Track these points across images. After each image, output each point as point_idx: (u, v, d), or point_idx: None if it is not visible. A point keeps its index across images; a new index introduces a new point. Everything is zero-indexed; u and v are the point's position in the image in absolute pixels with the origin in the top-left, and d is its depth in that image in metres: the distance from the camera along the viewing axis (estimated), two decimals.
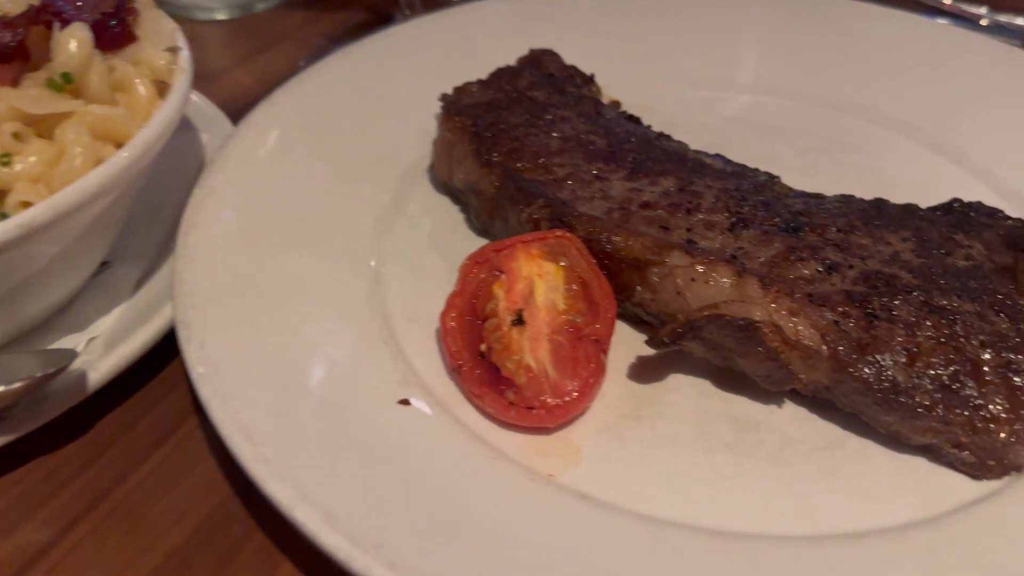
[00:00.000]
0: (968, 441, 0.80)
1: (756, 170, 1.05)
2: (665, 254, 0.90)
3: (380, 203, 1.10)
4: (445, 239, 1.08)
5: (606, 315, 0.90)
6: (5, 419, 0.84)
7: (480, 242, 1.07)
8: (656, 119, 1.17)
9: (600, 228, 0.94)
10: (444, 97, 1.16)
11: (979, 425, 0.79)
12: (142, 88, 0.93)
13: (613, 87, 1.26)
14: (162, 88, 0.94)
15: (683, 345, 0.86)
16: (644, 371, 0.92)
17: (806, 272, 0.88)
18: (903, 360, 0.81)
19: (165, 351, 0.94)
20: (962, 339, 0.83)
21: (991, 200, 1.01)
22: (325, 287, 0.96)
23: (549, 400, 0.85)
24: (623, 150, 1.06)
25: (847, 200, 0.99)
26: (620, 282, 0.93)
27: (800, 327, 0.83)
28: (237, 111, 1.20)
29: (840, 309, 0.84)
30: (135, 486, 0.86)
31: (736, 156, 1.08)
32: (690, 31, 1.42)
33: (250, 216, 1.01)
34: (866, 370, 0.81)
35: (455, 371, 0.88)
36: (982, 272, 0.90)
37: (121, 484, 0.86)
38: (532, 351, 0.87)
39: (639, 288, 0.92)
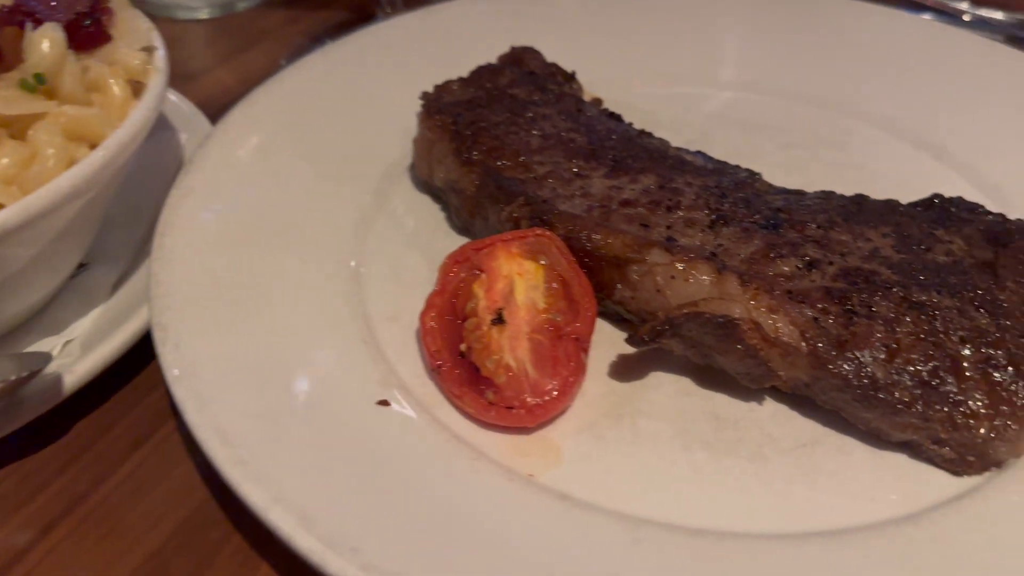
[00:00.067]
0: (948, 437, 0.80)
1: (737, 167, 1.05)
2: (645, 252, 0.90)
3: (361, 203, 1.09)
4: (426, 238, 1.08)
5: (586, 313, 0.89)
6: None
7: (461, 241, 1.06)
8: (638, 116, 1.17)
9: (580, 226, 0.94)
10: (425, 95, 1.15)
11: (959, 421, 0.79)
12: (117, 88, 0.92)
13: (595, 84, 1.25)
14: (137, 88, 0.93)
15: (663, 343, 0.86)
16: (624, 369, 0.91)
17: (786, 269, 0.88)
18: (882, 356, 0.81)
19: (143, 353, 0.93)
20: (942, 335, 0.82)
21: (972, 195, 1.01)
22: (304, 288, 0.95)
23: (529, 400, 0.84)
24: (604, 148, 1.05)
25: (827, 196, 0.99)
26: (600, 280, 0.92)
27: (779, 324, 0.83)
28: (218, 111, 1.19)
29: (819, 306, 0.84)
30: (112, 489, 0.85)
31: (718, 153, 1.08)
32: (672, 28, 1.42)
33: (228, 216, 1.00)
34: (845, 367, 0.81)
35: (435, 371, 0.88)
36: (962, 268, 0.89)
37: (98, 487, 0.85)
38: (512, 350, 0.87)
39: (619, 286, 0.92)
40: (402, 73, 1.26)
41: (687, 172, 1.01)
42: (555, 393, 0.85)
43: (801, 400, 0.87)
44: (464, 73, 1.18)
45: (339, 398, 0.84)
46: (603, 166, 1.02)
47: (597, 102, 1.22)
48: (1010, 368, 0.80)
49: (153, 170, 1.10)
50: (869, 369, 0.81)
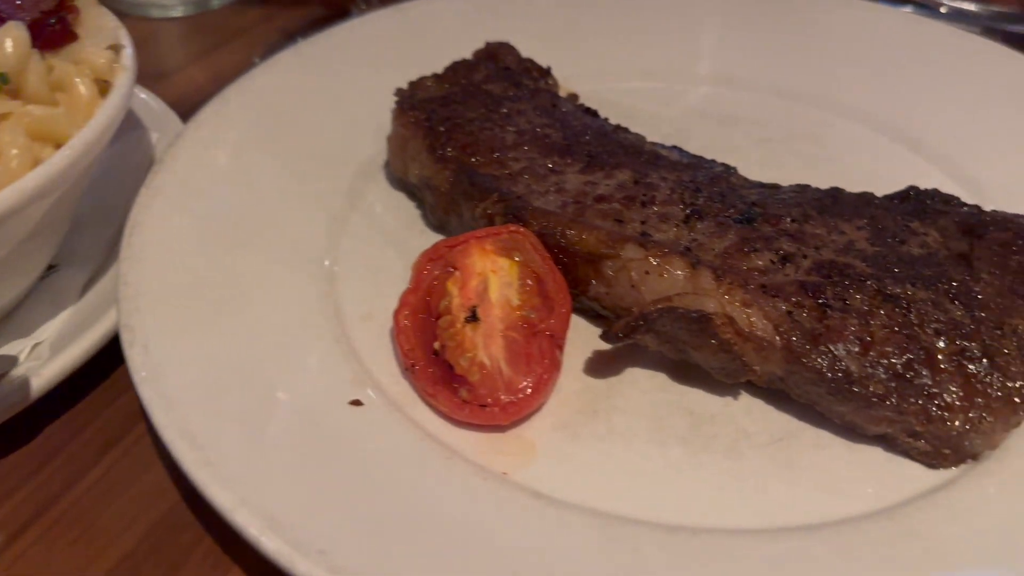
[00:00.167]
0: (923, 430, 0.79)
1: (713, 161, 1.04)
2: (619, 247, 0.90)
3: (334, 201, 1.08)
4: (401, 236, 1.07)
5: (561, 310, 0.89)
6: None
7: (437, 238, 1.05)
8: (614, 111, 1.16)
9: (554, 222, 0.93)
10: (399, 92, 1.14)
11: (934, 413, 0.79)
12: (83, 87, 0.90)
13: (571, 80, 1.25)
14: (104, 87, 0.92)
15: (637, 339, 0.86)
16: (599, 366, 0.91)
17: (760, 263, 0.87)
18: (857, 350, 0.81)
19: (113, 355, 0.92)
20: (916, 327, 0.82)
21: (948, 188, 1.01)
22: (277, 288, 0.94)
23: (503, 397, 0.84)
24: (579, 143, 1.05)
25: (803, 190, 0.99)
26: (575, 276, 0.92)
27: (753, 318, 0.83)
28: (190, 109, 1.17)
29: (794, 299, 0.83)
30: (82, 493, 0.84)
31: (694, 147, 1.07)
32: (649, 22, 1.41)
33: (199, 216, 0.99)
34: (819, 360, 0.80)
35: (408, 370, 0.87)
36: (937, 260, 0.89)
37: (68, 491, 0.84)
38: (486, 348, 0.86)
39: (594, 282, 0.91)
40: (376, 69, 1.25)
41: (662, 167, 1.01)
42: (529, 390, 0.84)
43: (776, 395, 0.86)
44: (439, 69, 1.17)
45: (311, 398, 0.84)
46: (578, 162, 1.02)
47: (573, 97, 1.22)
48: (985, 360, 0.80)
49: (124, 170, 1.09)
50: (843, 362, 0.80)
